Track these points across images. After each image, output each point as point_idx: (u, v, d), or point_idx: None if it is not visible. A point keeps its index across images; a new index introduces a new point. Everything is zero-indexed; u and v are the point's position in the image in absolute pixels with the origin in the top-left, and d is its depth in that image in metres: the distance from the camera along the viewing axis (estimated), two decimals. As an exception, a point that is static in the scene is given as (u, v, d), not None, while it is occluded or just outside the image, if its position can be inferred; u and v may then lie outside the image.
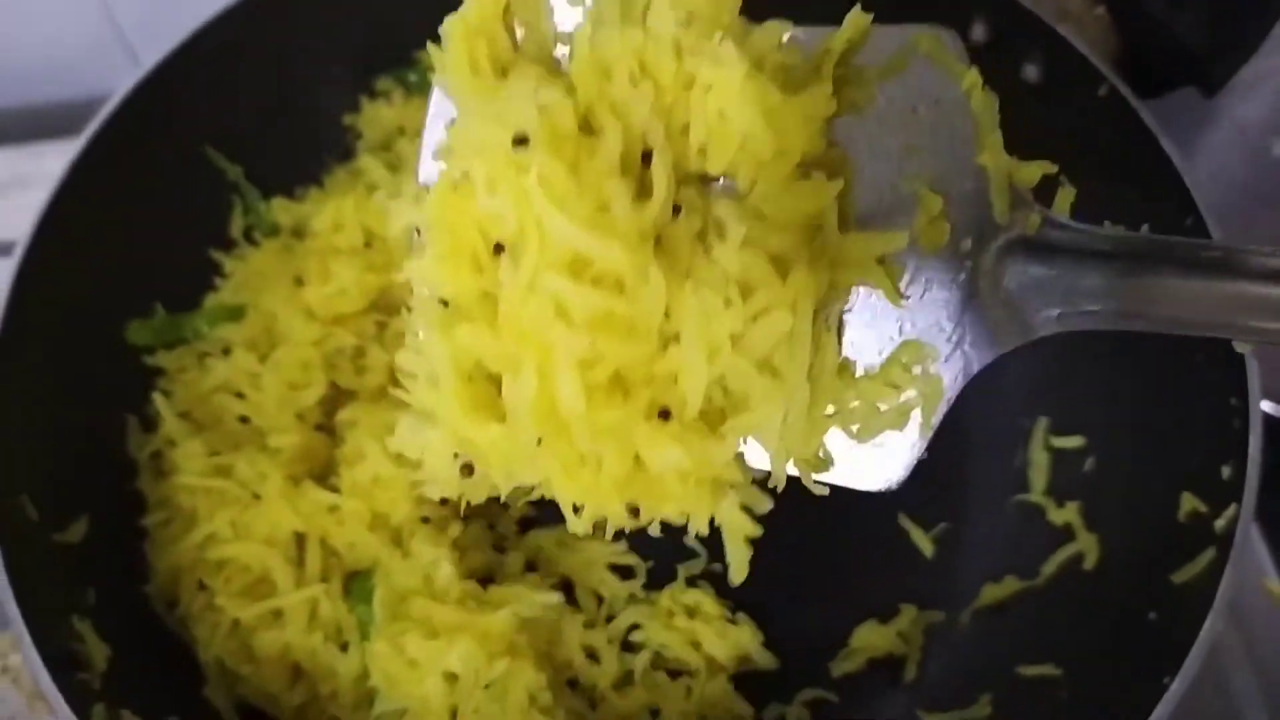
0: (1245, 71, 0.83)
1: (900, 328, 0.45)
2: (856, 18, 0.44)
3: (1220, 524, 0.56)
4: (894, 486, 0.46)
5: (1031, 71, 0.70)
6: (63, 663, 0.52)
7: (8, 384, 0.58)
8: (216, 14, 0.72)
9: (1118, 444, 0.65)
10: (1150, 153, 0.64)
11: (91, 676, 0.53)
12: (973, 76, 0.45)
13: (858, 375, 0.45)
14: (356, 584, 0.62)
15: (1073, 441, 0.68)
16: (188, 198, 0.73)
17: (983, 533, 0.69)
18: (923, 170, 0.45)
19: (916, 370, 0.44)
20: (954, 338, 0.44)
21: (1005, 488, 0.70)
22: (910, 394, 0.44)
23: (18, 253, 0.62)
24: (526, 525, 0.70)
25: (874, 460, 0.45)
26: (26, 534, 0.56)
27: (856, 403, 0.44)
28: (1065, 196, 0.46)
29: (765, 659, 0.66)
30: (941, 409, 0.44)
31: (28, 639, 0.51)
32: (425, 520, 0.64)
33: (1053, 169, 0.46)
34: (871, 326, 0.45)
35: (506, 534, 0.69)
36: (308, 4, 0.75)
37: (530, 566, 0.68)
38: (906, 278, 0.45)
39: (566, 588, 0.67)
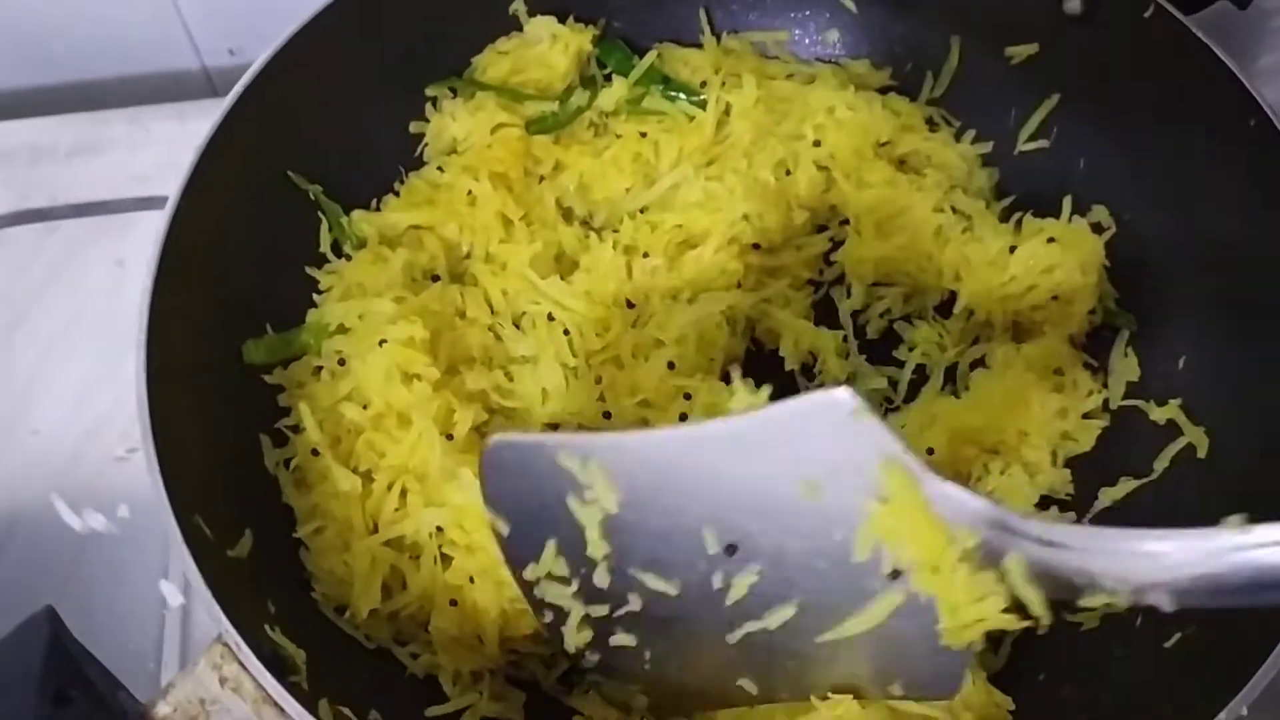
0: (1267, 59, 0.87)
1: None
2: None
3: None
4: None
5: (1073, 4, 0.74)
6: (277, 668, 0.53)
7: (167, 409, 0.59)
8: (279, 46, 0.73)
9: (1208, 340, 0.70)
10: (1206, 63, 0.68)
11: (300, 679, 0.55)
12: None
13: None
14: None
15: (1159, 344, 0.72)
16: (280, 221, 0.74)
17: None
18: None
19: None
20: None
21: (1099, 397, 0.74)
22: None
23: (146, 288, 0.63)
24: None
25: None
26: (209, 552, 0.57)
27: None
28: None
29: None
30: None
31: (246, 648, 0.53)
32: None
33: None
34: None
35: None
36: (360, 24, 0.77)
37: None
38: None
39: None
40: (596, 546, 0.52)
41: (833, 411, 0.44)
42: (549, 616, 0.56)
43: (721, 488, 0.48)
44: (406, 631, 0.65)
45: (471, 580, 0.63)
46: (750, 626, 0.51)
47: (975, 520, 0.43)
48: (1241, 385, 0.67)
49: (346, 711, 0.55)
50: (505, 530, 0.54)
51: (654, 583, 0.52)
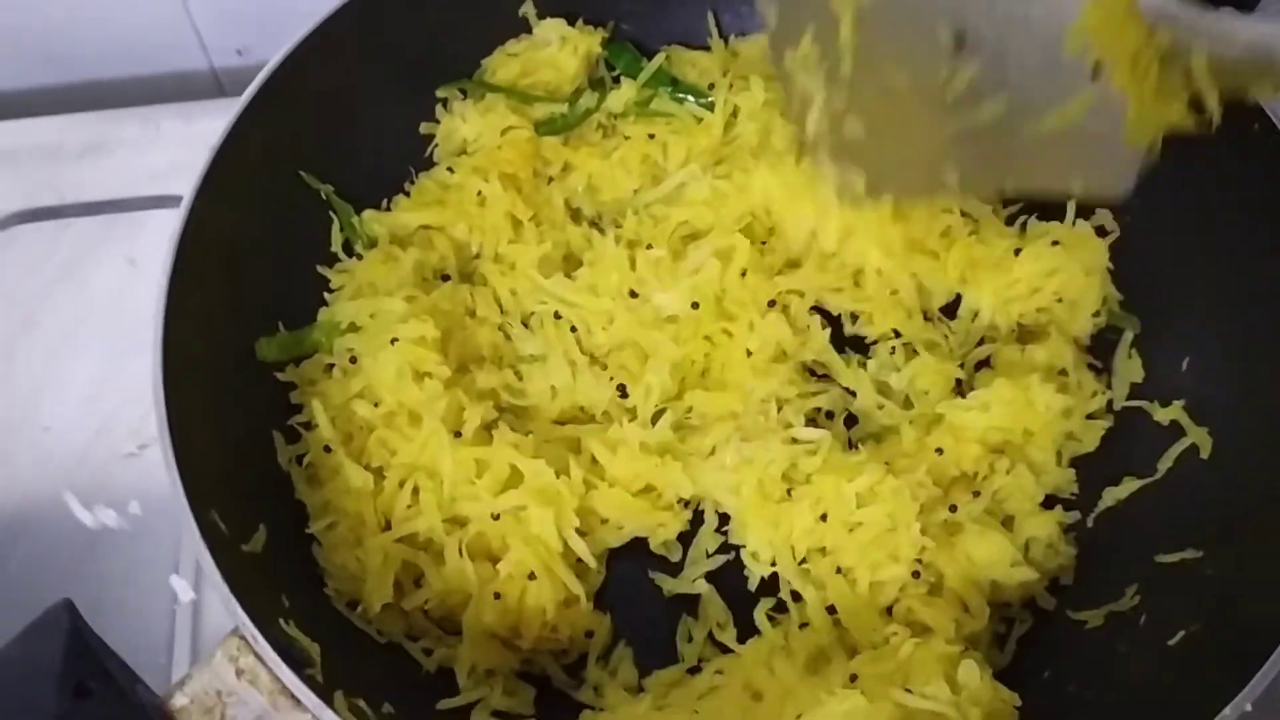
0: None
1: None
2: None
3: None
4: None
5: (1078, 7, 0.75)
6: (294, 661, 0.54)
7: (183, 405, 0.60)
8: (288, 51, 0.73)
9: (1211, 341, 0.70)
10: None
11: (315, 671, 0.56)
12: None
13: None
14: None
15: (1162, 345, 0.73)
16: (292, 220, 0.75)
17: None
18: None
19: None
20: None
21: (1103, 397, 0.74)
22: None
23: (162, 286, 0.63)
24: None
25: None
26: (225, 546, 0.58)
27: None
28: None
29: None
30: None
31: (263, 641, 0.53)
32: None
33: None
34: None
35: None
36: (371, 26, 0.77)
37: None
38: None
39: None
40: (848, 33, 0.59)
41: None
42: (798, 103, 0.66)
43: None
44: (418, 627, 0.66)
45: (532, 576, 0.64)
46: (965, 116, 0.58)
47: (1172, 20, 0.50)
48: (1244, 386, 0.68)
49: (361, 704, 0.56)
50: (774, 19, 0.64)
51: (890, 71, 0.59)
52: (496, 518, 0.65)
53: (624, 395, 0.73)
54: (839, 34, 0.60)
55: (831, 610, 0.66)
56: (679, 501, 0.71)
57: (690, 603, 0.69)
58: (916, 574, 0.66)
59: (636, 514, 0.69)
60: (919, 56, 0.58)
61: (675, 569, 0.70)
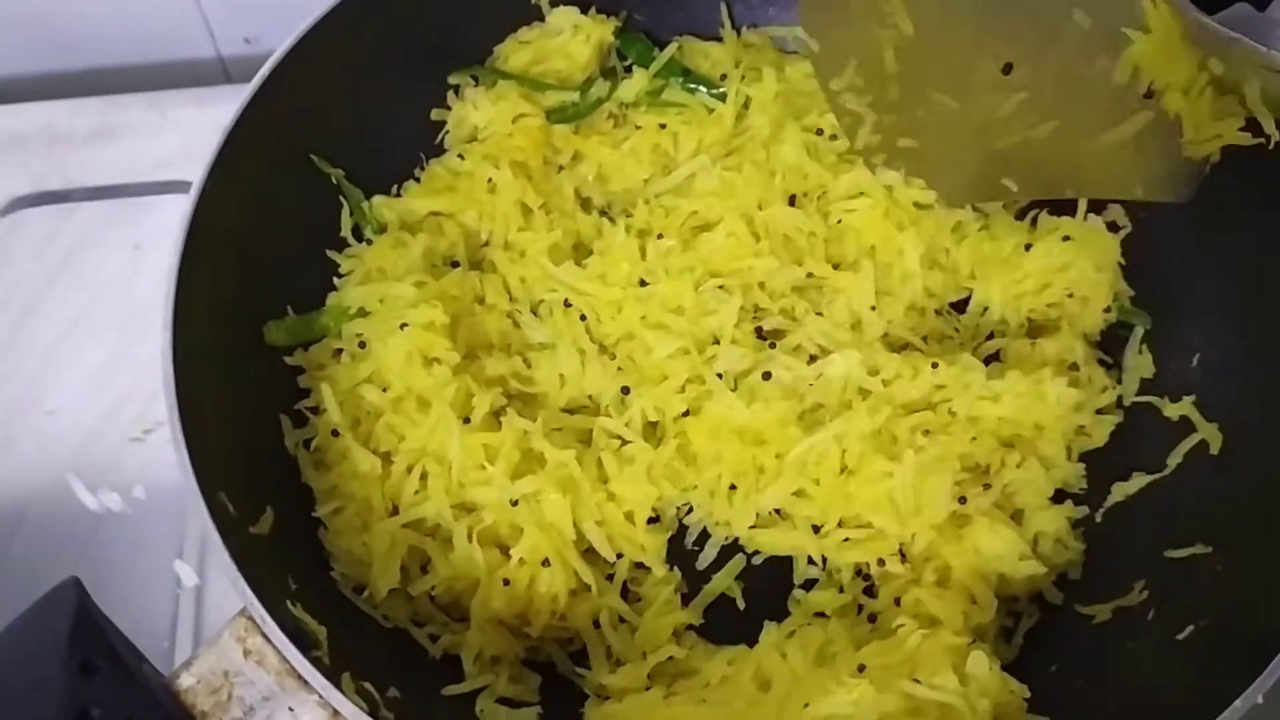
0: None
1: None
2: None
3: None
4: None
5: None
6: (301, 642, 0.54)
7: (191, 388, 0.60)
8: (300, 34, 0.73)
9: (1222, 337, 0.70)
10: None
11: (322, 654, 0.55)
12: None
13: None
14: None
15: (1173, 341, 0.73)
16: (302, 205, 0.75)
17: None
18: None
19: None
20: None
21: (1114, 393, 0.74)
22: None
23: (172, 268, 0.63)
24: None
25: None
26: (233, 527, 0.57)
27: None
28: None
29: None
30: None
31: (271, 621, 0.53)
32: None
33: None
34: None
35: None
36: (383, 11, 0.77)
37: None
38: None
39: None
40: (892, 66, 0.62)
41: None
42: (848, 121, 0.70)
43: (1002, 17, 0.57)
44: (424, 613, 0.66)
45: (546, 563, 0.64)
46: (1017, 134, 0.59)
47: (1224, 49, 0.50)
48: (1255, 382, 0.67)
49: (368, 687, 0.56)
50: (816, 46, 0.68)
51: (938, 97, 0.62)
52: (515, 503, 0.65)
53: (626, 392, 0.73)
54: (883, 64, 0.62)
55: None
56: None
57: (698, 592, 0.69)
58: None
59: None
60: (966, 83, 0.59)
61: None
